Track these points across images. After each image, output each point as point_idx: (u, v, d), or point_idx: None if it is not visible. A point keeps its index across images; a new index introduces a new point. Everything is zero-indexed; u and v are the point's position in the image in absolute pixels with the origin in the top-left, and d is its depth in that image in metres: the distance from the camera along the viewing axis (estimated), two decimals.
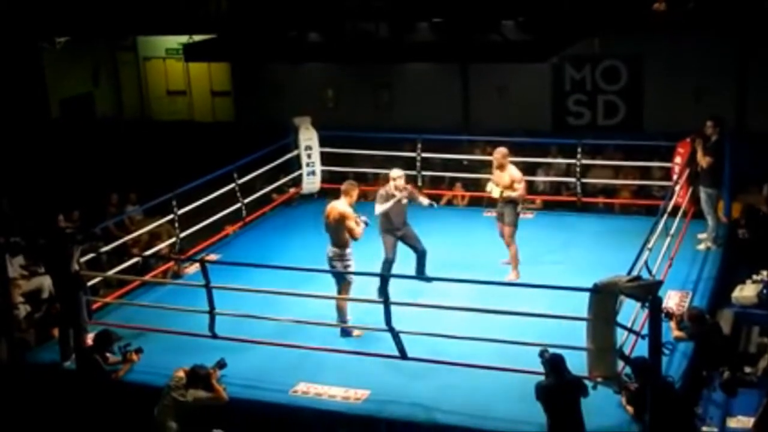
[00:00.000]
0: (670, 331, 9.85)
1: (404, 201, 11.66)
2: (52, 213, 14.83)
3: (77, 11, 17.94)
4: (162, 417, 9.17)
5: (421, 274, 11.67)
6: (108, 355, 10.00)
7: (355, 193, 10.77)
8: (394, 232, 11.59)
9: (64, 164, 18.40)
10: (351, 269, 10.46)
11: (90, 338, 10.24)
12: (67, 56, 20.06)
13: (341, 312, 10.54)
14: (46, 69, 20.36)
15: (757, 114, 16.68)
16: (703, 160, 12.12)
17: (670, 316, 9.97)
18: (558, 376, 8.36)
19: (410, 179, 15.34)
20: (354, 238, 10.52)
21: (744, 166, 13.39)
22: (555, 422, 8.30)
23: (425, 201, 12.13)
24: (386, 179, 15.86)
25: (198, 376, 9.28)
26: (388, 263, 11.56)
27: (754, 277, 11.52)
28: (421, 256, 11.71)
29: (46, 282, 12.13)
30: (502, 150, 11.85)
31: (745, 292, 11.23)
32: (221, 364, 9.59)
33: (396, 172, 11.72)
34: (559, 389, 8.34)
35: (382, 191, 11.72)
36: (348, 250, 10.54)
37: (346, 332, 10.48)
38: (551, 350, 8.53)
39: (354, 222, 10.47)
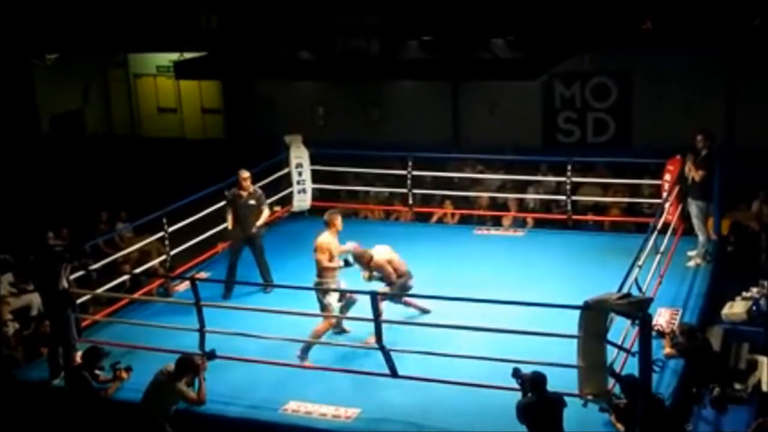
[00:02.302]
0: (661, 348, 9.86)
1: (251, 202, 12.24)
2: (42, 230, 14.79)
3: (68, 28, 17.98)
4: (148, 403, 9.21)
5: (265, 284, 12.20)
6: (98, 372, 9.96)
7: (338, 222, 10.68)
8: (240, 233, 12.21)
9: (53, 181, 18.37)
10: (329, 301, 10.30)
11: (79, 356, 10.20)
12: (58, 73, 20.08)
13: (312, 340, 10.27)
14: (36, 85, 20.40)
15: (746, 129, 16.74)
16: (695, 174, 12.15)
17: (662, 334, 9.99)
18: (539, 393, 8.37)
19: (401, 197, 15.43)
20: (320, 267, 10.46)
21: (733, 182, 13.44)
22: None
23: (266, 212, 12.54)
24: (376, 197, 15.94)
25: (187, 367, 9.31)
26: (232, 267, 12.20)
27: (744, 293, 11.52)
28: (262, 265, 12.29)
29: (35, 299, 12.12)
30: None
31: (735, 309, 11.23)
32: (211, 355, 9.63)
33: (244, 173, 12.29)
34: (540, 407, 8.35)
35: (227, 193, 12.37)
36: (328, 281, 10.42)
37: (301, 357, 10.27)
38: (540, 369, 8.53)
39: (325, 256, 10.38)
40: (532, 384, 8.42)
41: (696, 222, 12.42)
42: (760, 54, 15.63)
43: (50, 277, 10.20)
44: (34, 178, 18.31)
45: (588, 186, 15.43)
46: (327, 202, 15.47)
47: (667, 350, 9.88)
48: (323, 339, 10.37)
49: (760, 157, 15.36)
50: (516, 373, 8.61)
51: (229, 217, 12.35)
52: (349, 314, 10.51)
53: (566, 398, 8.48)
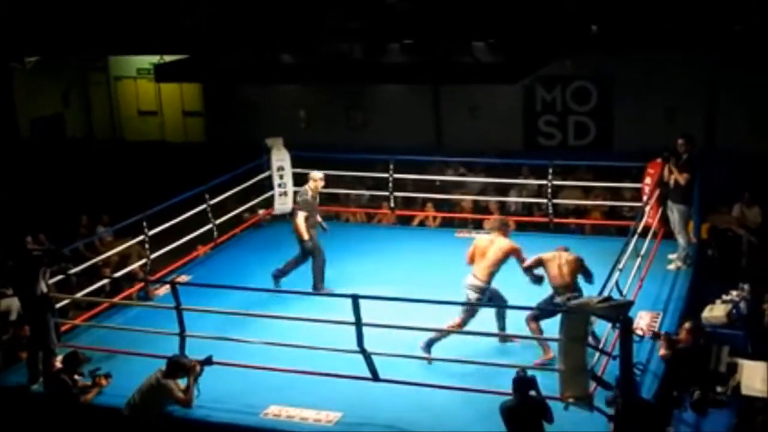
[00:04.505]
0: (656, 351, 9.87)
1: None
2: (21, 234, 14.69)
3: (48, 31, 17.87)
4: (141, 401, 9.25)
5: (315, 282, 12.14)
6: (77, 378, 9.90)
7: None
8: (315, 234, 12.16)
9: (33, 185, 18.26)
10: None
11: (59, 361, 10.13)
12: (38, 76, 19.97)
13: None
14: (16, 88, 20.26)
15: (727, 134, 16.85)
16: (679, 177, 12.19)
17: (657, 336, 10.00)
18: (522, 396, 8.37)
19: (383, 200, 15.42)
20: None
21: (714, 187, 13.50)
22: None
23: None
24: (357, 199, 15.86)
25: (180, 367, 9.35)
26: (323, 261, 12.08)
27: (724, 296, 11.55)
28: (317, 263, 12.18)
29: (14, 304, 11.99)
30: None
31: (715, 312, 11.27)
32: (207, 361, 9.59)
33: (318, 174, 12.29)
34: (520, 410, 8.35)
35: (307, 197, 12.19)
36: None
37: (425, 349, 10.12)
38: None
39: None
40: (517, 385, 8.41)
41: (677, 226, 12.46)
42: (741, 60, 15.72)
43: (29, 282, 10.13)
44: (15, 182, 18.18)
45: (569, 189, 15.46)
46: None
47: (663, 352, 9.88)
48: (305, 343, 10.34)
49: (740, 162, 15.45)
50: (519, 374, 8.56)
51: (303, 222, 11.96)
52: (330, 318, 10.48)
53: (551, 402, 8.49)
